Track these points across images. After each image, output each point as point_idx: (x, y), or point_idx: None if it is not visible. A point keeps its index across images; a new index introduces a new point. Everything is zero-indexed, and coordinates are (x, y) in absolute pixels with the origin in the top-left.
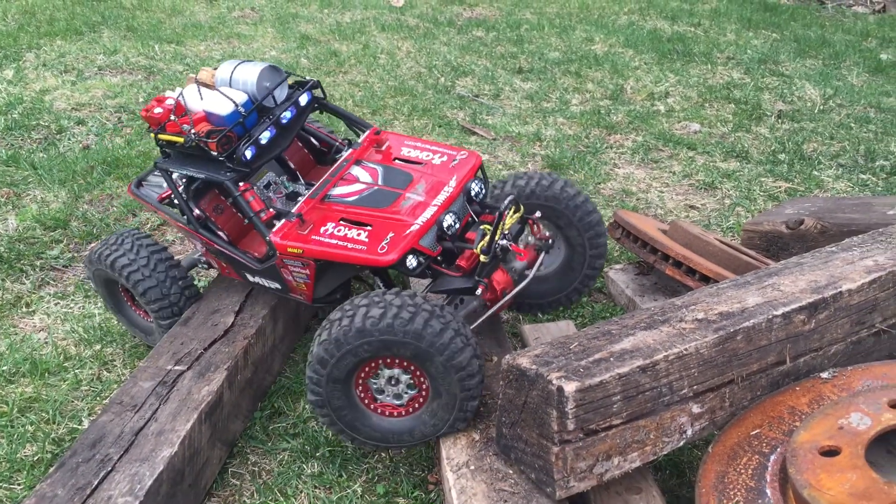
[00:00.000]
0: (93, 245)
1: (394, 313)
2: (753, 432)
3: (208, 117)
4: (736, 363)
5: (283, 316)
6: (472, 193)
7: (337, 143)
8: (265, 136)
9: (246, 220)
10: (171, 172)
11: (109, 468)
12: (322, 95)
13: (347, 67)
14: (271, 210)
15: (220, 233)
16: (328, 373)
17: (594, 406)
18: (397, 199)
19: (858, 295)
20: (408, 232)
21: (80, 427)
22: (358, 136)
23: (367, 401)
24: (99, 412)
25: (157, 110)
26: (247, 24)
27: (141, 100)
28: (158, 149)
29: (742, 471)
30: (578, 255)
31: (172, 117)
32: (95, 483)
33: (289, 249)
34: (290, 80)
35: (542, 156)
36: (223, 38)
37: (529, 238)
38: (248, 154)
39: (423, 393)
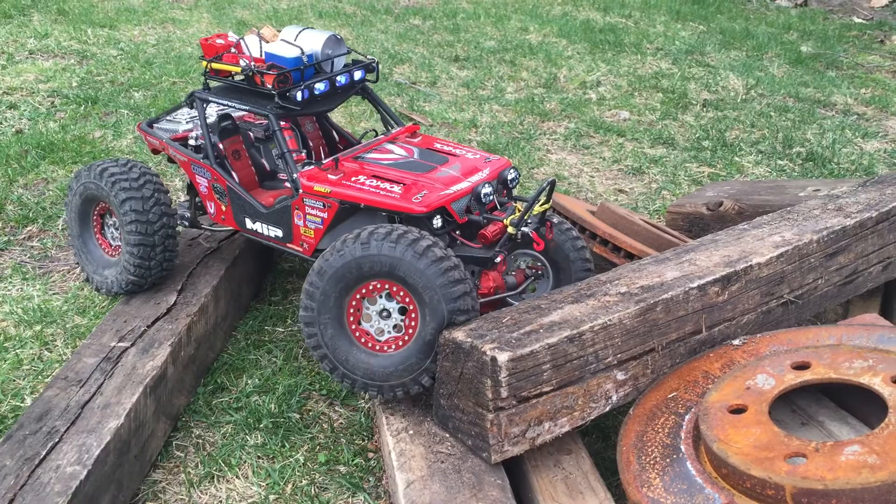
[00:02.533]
0: (97, 161)
1: (389, 230)
2: (671, 395)
3: (268, 59)
4: (656, 332)
5: (225, 295)
6: (509, 178)
7: (355, 142)
8: (319, 88)
9: (277, 156)
10: (208, 103)
11: (57, 439)
12: (375, 79)
13: None
14: (303, 154)
15: (233, 174)
16: (323, 287)
17: (526, 374)
18: (432, 170)
19: (767, 268)
20: (443, 193)
21: (22, 405)
22: (387, 128)
23: (357, 333)
24: (43, 389)
25: (220, 41)
26: (181, 9)
27: (74, 84)
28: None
29: (659, 430)
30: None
31: (233, 50)
32: (43, 453)
33: (315, 188)
34: (348, 59)
35: (477, 142)
36: (157, 22)
37: (522, 264)
38: (300, 96)
39: (413, 324)
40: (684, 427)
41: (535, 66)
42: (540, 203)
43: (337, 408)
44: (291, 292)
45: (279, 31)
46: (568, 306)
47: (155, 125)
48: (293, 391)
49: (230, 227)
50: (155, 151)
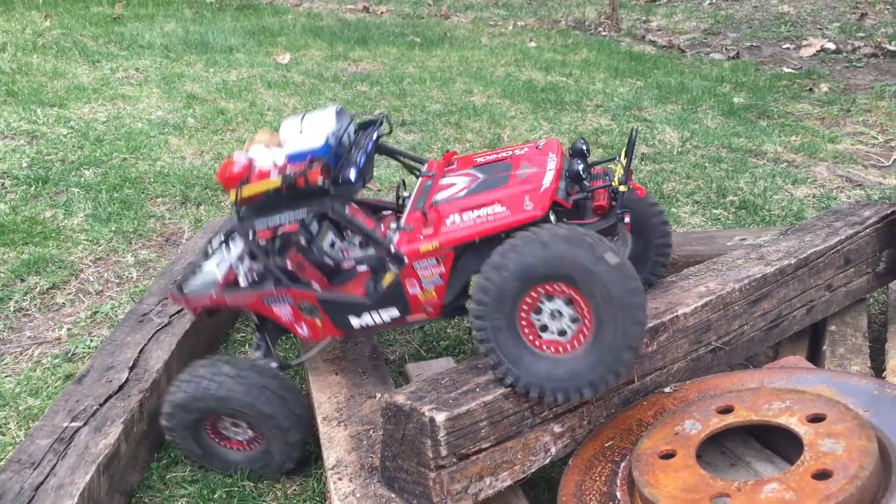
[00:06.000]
0: (173, 389)
1: (569, 231)
2: (607, 444)
3: (294, 158)
4: None
5: (178, 369)
6: (585, 150)
7: (379, 203)
8: (360, 162)
9: (359, 238)
10: (254, 231)
11: None
12: (388, 130)
13: (235, 125)
14: (383, 228)
15: (314, 283)
16: (492, 297)
17: (464, 432)
18: (511, 178)
19: (693, 317)
20: (543, 189)
21: None
22: (416, 173)
23: (528, 333)
24: None
25: (236, 168)
26: (131, 84)
27: (24, 164)
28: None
29: (597, 478)
30: (641, 260)
31: (256, 169)
32: None
33: (421, 249)
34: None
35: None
36: (107, 99)
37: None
38: (353, 175)
39: (586, 326)
40: (620, 474)
41: (479, 128)
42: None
43: (291, 475)
44: None
45: (275, 131)
46: None
47: (185, 286)
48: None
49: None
50: (200, 312)
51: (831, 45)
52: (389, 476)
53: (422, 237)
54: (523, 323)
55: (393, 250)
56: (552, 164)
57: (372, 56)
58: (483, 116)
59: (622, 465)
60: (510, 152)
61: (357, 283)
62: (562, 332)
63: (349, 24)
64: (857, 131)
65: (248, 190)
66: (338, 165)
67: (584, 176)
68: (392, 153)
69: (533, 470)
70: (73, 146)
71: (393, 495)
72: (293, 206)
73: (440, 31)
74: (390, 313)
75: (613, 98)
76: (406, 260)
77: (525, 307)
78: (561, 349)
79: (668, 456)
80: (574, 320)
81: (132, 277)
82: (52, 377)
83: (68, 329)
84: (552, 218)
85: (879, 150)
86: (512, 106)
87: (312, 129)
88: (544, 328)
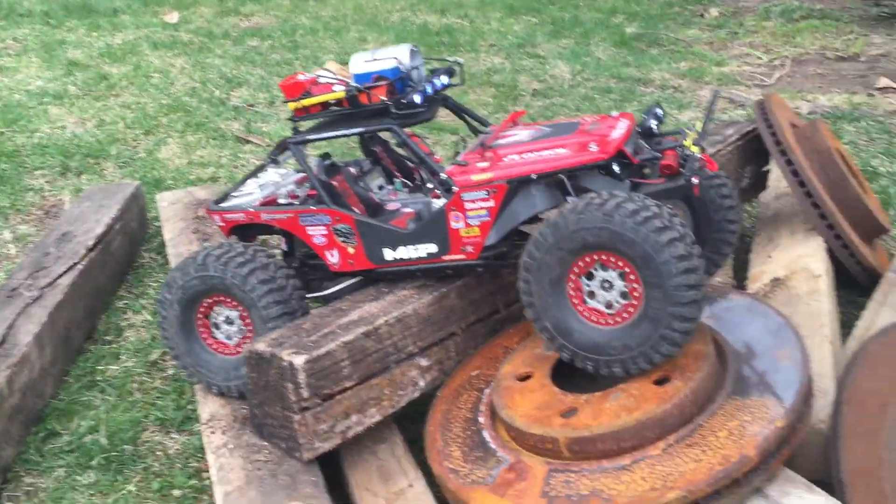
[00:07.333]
0: (195, 254)
1: (619, 205)
2: (474, 373)
3: (359, 80)
4: (454, 318)
5: (51, 342)
6: (661, 113)
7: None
8: (429, 90)
9: (416, 163)
10: (307, 144)
11: None
12: (460, 81)
13: (119, 90)
14: (438, 156)
15: (355, 209)
16: (544, 254)
17: (325, 373)
18: (578, 129)
19: None
20: (611, 137)
21: None
22: (477, 134)
23: (575, 299)
24: None
25: (302, 77)
26: (9, 55)
27: None
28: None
29: (462, 406)
30: (700, 238)
31: (321, 81)
32: None
33: (473, 178)
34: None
35: (316, 154)
36: None
37: None
38: (418, 98)
39: (633, 305)
40: (483, 400)
41: None
42: (689, 142)
43: (173, 435)
44: (125, 329)
45: (345, 65)
46: (367, 304)
47: (223, 204)
48: (127, 426)
49: (347, 279)
50: (231, 230)
51: None
52: (258, 423)
53: (478, 168)
54: (571, 285)
55: (444, 177)
56: (623, 125)
57: (264, 9)
58: None
59: (486, 391)
60: (579, 119)
61: (399, 221)
62: (608, 305)
63: None
64: (743, 53)
65: (310, 101)
66: (404, 91)
67: (656, 132)
68: (458, 110)
69: (402, 404)
70: None
71: (266, 444)
72: (352, 124)
73: None
74: (428, 248)
75: (507, 36)
76: (455, 188)
77: (577, 270)
78: (602, 321)
79: (526, 378)
80: (623, 296)
81: (10, 254)
82: None
83: None
84: (616, 168)
85: (764, 70)
86: None
87: (383, 56)
88: (591, 295)
